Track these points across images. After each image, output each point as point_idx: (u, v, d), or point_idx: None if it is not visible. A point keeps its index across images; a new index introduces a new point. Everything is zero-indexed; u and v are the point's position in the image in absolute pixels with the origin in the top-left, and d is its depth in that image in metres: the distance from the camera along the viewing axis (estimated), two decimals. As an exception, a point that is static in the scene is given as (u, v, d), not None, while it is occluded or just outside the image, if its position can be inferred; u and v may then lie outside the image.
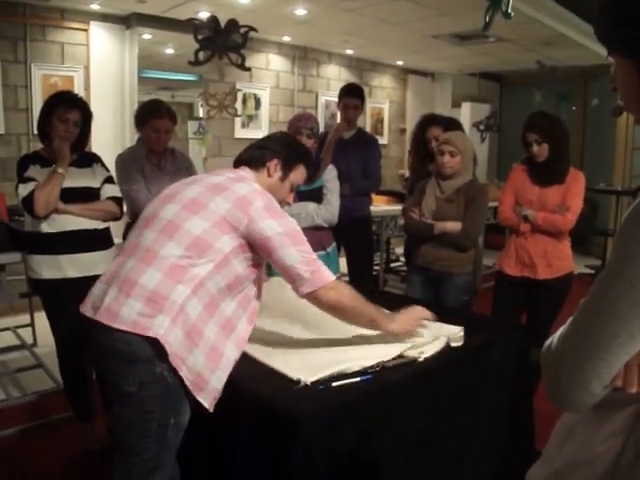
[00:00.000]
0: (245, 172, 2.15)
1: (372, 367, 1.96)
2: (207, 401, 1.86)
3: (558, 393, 0.99)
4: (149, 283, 1.82)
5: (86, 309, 1.95)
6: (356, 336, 2.21)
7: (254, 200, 1.94)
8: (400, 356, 2.05)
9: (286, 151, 2.22)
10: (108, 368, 1.91)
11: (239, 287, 1.98)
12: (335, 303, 2.00)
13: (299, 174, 2.26)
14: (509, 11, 4.17)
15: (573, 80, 9.25)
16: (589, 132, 9.23)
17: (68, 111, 3.00)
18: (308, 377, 1.82)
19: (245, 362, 2.00)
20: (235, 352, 1.95)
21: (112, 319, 1.80)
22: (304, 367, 1.90)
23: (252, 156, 2.20)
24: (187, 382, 1.81)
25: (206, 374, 1.85)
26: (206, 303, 1.88)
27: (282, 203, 2.20)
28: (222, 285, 1.91)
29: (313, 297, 1.98)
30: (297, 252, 1.93)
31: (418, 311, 2.23)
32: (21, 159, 3.08)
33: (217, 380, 1.88)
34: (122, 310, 1.80)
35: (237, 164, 2.23)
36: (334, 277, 2.01)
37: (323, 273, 1.97)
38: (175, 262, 1.85)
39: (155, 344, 1.76)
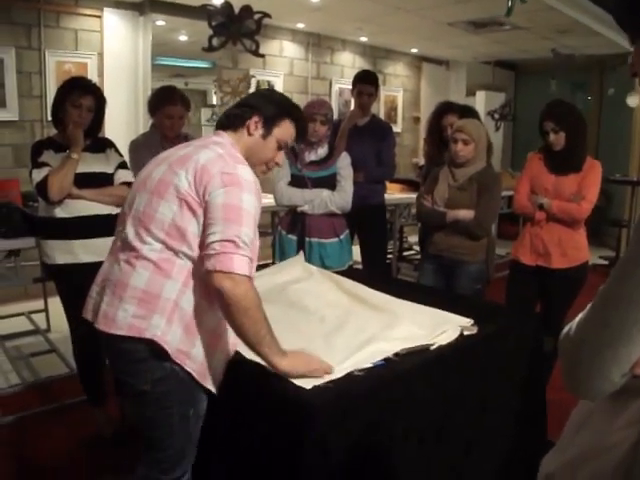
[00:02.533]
0: (219, 137, 1.98)
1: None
2: (212, 386, 1.87)
3: (576, 380, 0.98)
4: (138, 283, 1.77)
5: (87, 313, 1.93)
6: (359, 329, 2.20)
7: (212, 167, 1.78)
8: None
9: (268, 106, 2.01)
10: (119, 370, 1.89)
11: None
12: (232, 300, 1.70)
13: (285, 130, 2.04)
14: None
15: (589, 69, 9.16)
16: (605, 122, 9.15)
17: (81, 97, 3.00)
18: (309, 384, 1.79)
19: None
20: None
21: (109, 325, 1.78)
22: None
23: (229, 116, 2.04)
24: (194, 373, 1.80)
25: (208, 360, 1.84)
26: (202, 292, 1.80)
27: (270, 164, 2.07)
28: None
29: (209, 277, 1.72)
30: (222, 227, 1.71)
31: (316, 361, 1.88)
32: (35, 144, 3.09)
33: (218, 363, 1.89)
34: (117, 315, 1.77)
35: (217, 128, 2.06)
36: (248, 272, 1.73)
37: (235, 260, 1.70)
38: (159, 257, 1.77)
39: (156, 343, 1.75)
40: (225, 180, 1.76)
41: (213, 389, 1.87)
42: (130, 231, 1.83)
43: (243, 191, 1.76)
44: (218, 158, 1.82)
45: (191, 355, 1.79)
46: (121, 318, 1.76)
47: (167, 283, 1.77)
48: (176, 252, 1.78)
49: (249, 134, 1.99)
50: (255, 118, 1.98)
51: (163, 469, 1.88)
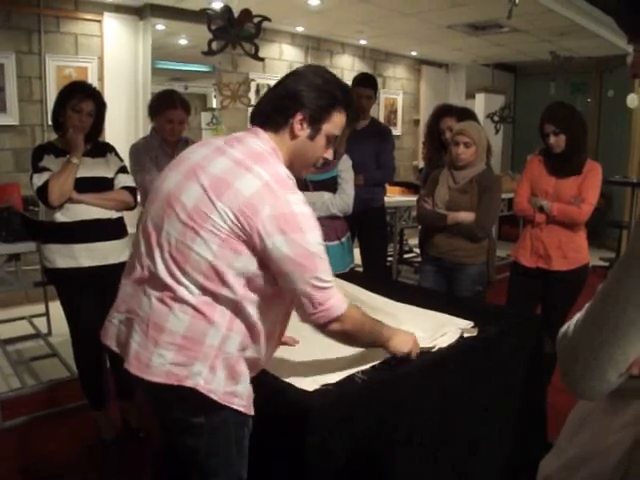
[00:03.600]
0: (258, 139, 1.70)
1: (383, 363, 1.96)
2: (252, 407, 1.72)
3: (574, 380, 0.99)
4: (177, 328, 1.59)
5: (110, 341, 1.75)
6: None
7: (261, 206, 1.54)
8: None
9: (314, 97, 1.69)
10: (159, 404, 1.75)
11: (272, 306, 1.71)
12: (345, 334, 1.74)
13: (337, 122, 1.76)
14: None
15: (588, 71, 9.16)
16: (604, 124, 9.15)
17: (82, 101, 3.01)
18: (311, 387, 1.79)
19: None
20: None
21: (142, 370, 1.60)
22: (308, 375, 1.88)
23: (269, 112, 1.73)
24: (242, 409, 1.66)
25: (251, 388, 1.72)
26: (246, 330, 1.66)
27: (317, 162, 1.85)
28: (255, 311, 1.65)
29: (322, 330, 1.71)
30: (307, 279, 1.59)
31: (413, 340, 1.98)
32: (36, 149, 3.09)
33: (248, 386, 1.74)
34: (152, 360, 1.58)
35: (253, 120, 1.77)
36: (343, 304, 1.69)
37: (329, 307, 1.64)
38: (198, 300, 1.59)
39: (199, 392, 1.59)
40: (282, 226, 1.55)
41: (252, 412, 1.72)
42: (160, 265, 1.62)
43: (305, 233, 1.58)
44: (264, 189, 1.57)
45: (237, 393, 1.65)
46: (157, 364, 1.58)
47: (210, 329, 1.59)
48: (216, 295, 1.59)
49: (293, 136, 1.71)
50: (299, 116, 1.68)
51: None
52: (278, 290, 1.66)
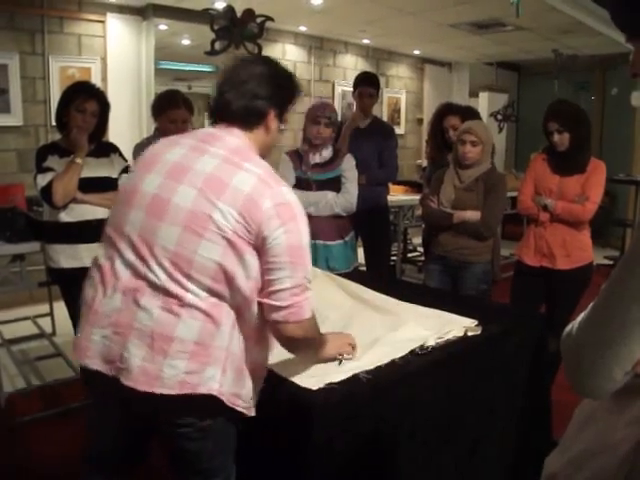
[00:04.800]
0: (236, 137, 1.71)
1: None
2: (253, 409, 1.73)
3: (579, 379, 0.98)
4: (189, 335, 1.55)
5: (91, 360, 1.62)
6: (364, 331, 2.20)
7: (261, 199, 1.56)
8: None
9: (281, 94, 1.78)
10: (164, 414, 1.64)
11: None
12: (303, 338, 1.69)
13: (293, 107, 1.86)
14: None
15: (592, 69, 9.15)
16: (608, 122, 9.14)
17: (86, 101, 3.02)
18: (315, 386, 1.78)
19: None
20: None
21: (152, 384, 1.53)
22: (310, 374, 1.87)
23: (244, 113, 1.73)
24: (245, 412, 1.67)
25: (254, 392, 1.71)
26: (247, 332, 1.65)
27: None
28: (257, 311, 1.65)
29: (277, 327, 1.65)
30: (290, 272, 1.59)
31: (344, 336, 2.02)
32: (40, 149, 3.10)
33: (258, 388, 1.75)
34: (163, 372, 1.53)
35: (222, 119, 1.75)
36: (312, 311, 1.68)
37: (305, 308, 1.64)
38: (207, 304, 1.57)
39: (212, 397, 1.58)
40: (281, 215, 1.57)
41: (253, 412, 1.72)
42: (161, 274, 1.57)
43: (299, 223, 1.62)
44: (261, 183, 1.59)
45: (242, 396, 1.65)
46: (169, 376, 1.53)
47: (219, 331, 1.58)
48: (222, 296, 1.58)
49: (267, 132, 1.77)
50: (272, 113, 1.76)
51: None
52: None
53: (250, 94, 1.72)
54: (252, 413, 1.70)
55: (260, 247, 1.57)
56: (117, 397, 1.62)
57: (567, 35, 7.09)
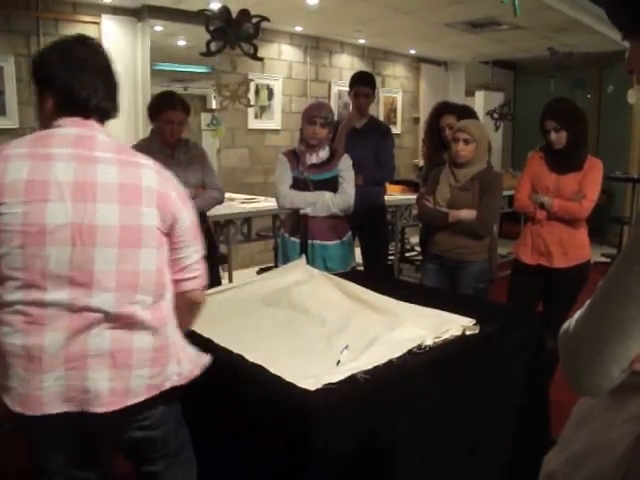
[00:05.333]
0: (103, 133, 1.65)
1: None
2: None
3: (576, 377, 0.98)
4: (146, 344, 1.61)
5: (54, 407, 1.53)
6: (362, 331, 2.21)
7: (167, 190, 1.64)
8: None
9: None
10: (126, 426, 1.68)
11: None
12: (200, 305, 1.80)
13: None
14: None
15: (588, 67, 9.15)
16: (604, 120, 9.14)
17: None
18: (313, 386, 1.79)
19: (258, 356, 2.00)
20: None
21: (122, 399, 1.57)
22: (308, 375, 1.87)
23: (112, 105, 1.71)
24: (186, 381, 1.72)
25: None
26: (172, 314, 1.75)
27: None
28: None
29: (192, 295, 1.75)
30: (196, 247, 1.72)
31: None
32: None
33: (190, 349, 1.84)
34: (131, 383, 1.57)
35: (95, 114, 1.65)
36: None
37: (205, 274, 1.77)
38: (152, 309, 1.62)
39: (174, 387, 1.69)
40: (182, 198, 1.69)
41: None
42: (105, 297, 1.53)
43: (188, 201, 1.73)
44: (159, 175, 1.65)
45: (193, 362, 1.75)
46: (136, 385, 1.58)
47: (167, 330, 1.66)
48: (163, 295, 1.66)
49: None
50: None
51: (187, 468, 1.88)
52: None
53: (114, 86, 1.74)
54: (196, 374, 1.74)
55: (170, 232, 1.65)
56: (79, 430, 1.64)
57: (563, 33, 7.09)
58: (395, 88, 9.13)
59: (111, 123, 1.75)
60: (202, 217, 3.69)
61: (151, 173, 1.63)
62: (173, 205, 1.64)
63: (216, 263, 3.98)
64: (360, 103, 4.56)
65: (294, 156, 3.55)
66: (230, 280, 4.75)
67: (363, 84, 4.56)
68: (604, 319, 0.93)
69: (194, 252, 1.72)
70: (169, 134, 3.49)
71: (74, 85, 1.59)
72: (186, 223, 1.67)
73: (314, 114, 3.43)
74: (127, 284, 1.56)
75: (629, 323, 0.90)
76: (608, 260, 7.07)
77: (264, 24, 5.08)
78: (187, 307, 1.77)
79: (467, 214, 3.27)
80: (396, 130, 8.76)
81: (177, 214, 1.64)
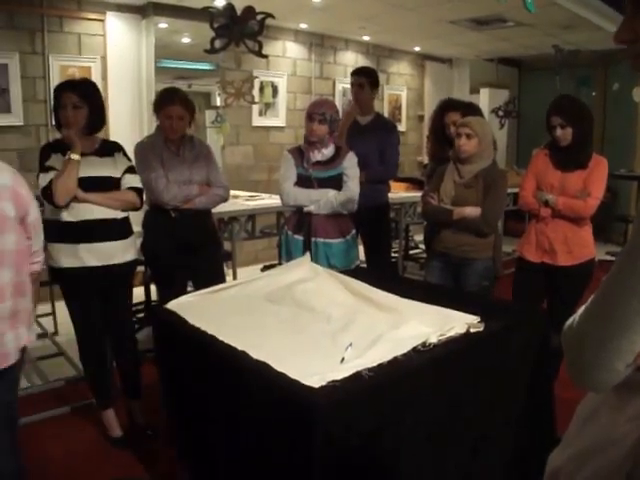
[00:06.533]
0: None
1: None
2: None
3: (580, 372, 0.98)
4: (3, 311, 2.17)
5: None
6: (366, 329, 2.20)
7: (20, 188, 2.17)
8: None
9: None
10: None
11: None
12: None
13: None
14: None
15: (593, 65, 9.12)
16: (610, 118, 9.12)
17: (64, 96, 2.97)
18: (317, 383, 1.78)
19: (262, 353, 2.00)
20: None
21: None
22: (312, 372, 1.86)
23: None
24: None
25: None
26: None
27: None
28: None
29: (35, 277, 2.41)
30: (38, 239, 2.37)
31: None
32: (43, 147, 3.08)
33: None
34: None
35: None
36: None
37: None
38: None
39: None
40: (30, 195, 2.23)
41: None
42: None
43: (34, 197, 2.29)
44: (14, 175, 2.17)
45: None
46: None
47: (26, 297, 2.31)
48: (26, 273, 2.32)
49: None
50: None
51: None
52: None
53: None
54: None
55: (21, 223, 2.19)
56: None
57: (568, 30, 7.06)
58: (400, 85, 9.12)
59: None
60: (207, 214, 3.69)
61: (7, 173, 2.13)
62: (24, 201, 2.18)
63: (220, 260, 3.97)
64: (355, 94, 4.61)
65: (299, 153, 3.55)
66: (234, 277, 4.75)
67: (356, 74, 4.62)
68: (609, 314, 0.92)
69: (38, 240, 2.34)
70: (169, 129, 3.47)
71: None
72: (34, 216, 2.25)
73: (313, 111, 3.43)
74: None
75: (634, 318, 0.89)
76: (612, 258, 7.05)
77: (269, 21, 5.07)
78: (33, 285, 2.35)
79: (471, 211, 3.26)
80: (401, 127, 8.75)
81: (28, 209, 2.20)
